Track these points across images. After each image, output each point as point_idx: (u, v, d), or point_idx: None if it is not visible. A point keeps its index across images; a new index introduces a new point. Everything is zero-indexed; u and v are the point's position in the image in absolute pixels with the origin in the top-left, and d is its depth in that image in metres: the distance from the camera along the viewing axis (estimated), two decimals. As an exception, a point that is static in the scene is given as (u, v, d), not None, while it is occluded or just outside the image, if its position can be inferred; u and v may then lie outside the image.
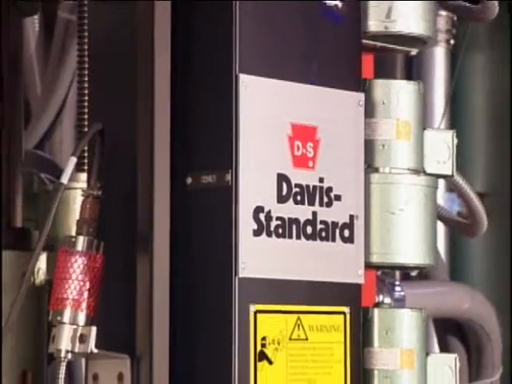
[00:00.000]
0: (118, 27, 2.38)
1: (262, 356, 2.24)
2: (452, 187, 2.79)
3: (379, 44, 2.47)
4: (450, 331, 3.10)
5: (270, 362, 2.25)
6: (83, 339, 2.27)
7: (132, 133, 2.32)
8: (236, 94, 2.22)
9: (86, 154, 2.37)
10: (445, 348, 3.03)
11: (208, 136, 2.28)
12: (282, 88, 2.28)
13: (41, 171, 2.94)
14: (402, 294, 2.57)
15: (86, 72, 2.47)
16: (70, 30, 3.16)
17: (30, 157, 2.93)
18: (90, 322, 2.27)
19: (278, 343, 2.26)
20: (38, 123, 3.28)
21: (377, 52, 2.50)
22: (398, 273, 2.64)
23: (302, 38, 2.31)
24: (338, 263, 2.36)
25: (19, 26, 2.70)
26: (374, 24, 2.42)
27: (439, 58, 3.57)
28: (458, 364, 2.59)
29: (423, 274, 2.89)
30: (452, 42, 3.65)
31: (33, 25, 3.24)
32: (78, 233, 2.30)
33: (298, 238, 2.30)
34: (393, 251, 2.47)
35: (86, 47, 2.47)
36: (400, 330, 2.49)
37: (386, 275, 2.57)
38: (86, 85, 2.45)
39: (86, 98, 2.44)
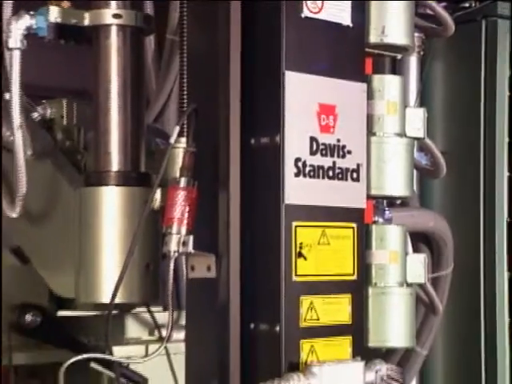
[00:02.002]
0: (205, 43, 2.35)
1: (300, 255, 2.21)
2: (423, 146, 2.72)
3: (376, 51, 2.42)
4: (420, 240, 3.05)
5: (305, 259, 2.22)
6: (184, 244, 2.25)
7: (215, 111, 2.29)
8: (283, 84, 2.19)
9: (185, 125, 2.32)
10: (417, 251, 2.97)
11: (265, 112, 2.24)
12: (313, 80, 2.24)
13: (156, 137, 2.92)
14: (390, 215, 2.52)
15: (185, 73, 2.42)
16: (174, 46, 3.11)
17: (149, 128, 2.91)
18: (189, 232, 2.26)
19: (310, 246, 2.23)
20: (154, 107, 3.25)
21: (374, 56, 2.44)
22: (385, 201, 2.56)
23: (326, 47, 2.28)
24: (349, 195, 2.33)
25: (142, 42, 2.67)
26: (373, 37, 2.37)
27: (413, 63, 3.53)
28: (426, 261, 2.56)
29: (403, 202, 2.82)
30: (422, 53, 3.57)
31: (150, 42, 3.17)
32: (181, 175, 2.28)
33: (323, 178, 2.26)
34: (384, 187, 2.43)
35: (184, 58, 2.42)
36: (389, 239, 2.45)
37: (379, 203, 2.51)
38: (185, 80, 2.41)
39: (185, 88, 2.40)
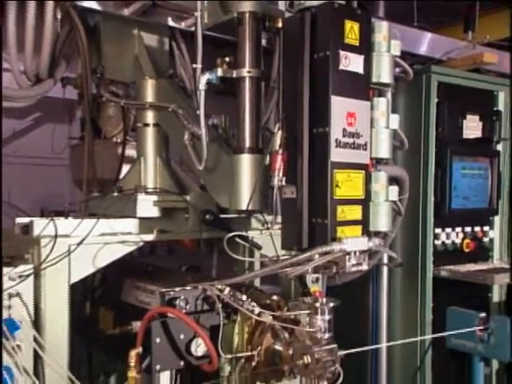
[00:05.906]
0: (290, 84, 2.15)
1: (337, 186, 2.05)
2: (396, 134, 2.44)
3: (375, 86, 2.20)
4: (393, 181, 2.75)
5: (340, 188, 2.06)
6: (281, 181, 2.12)
7: (296, 116, 2.11)
8: (330, 102, 2.01)
9: (280, 124, 2.18)
10: (392, 185, 2.63)
11: (321, 115, 2.06)
12: (345, 100, 2.05)
13: (266, 131, 2.78)
14: (380, 168, 2.30)
15: (280, 99, 2.26)
16: (274, 88, 2.95)
17: (262, 127, 2.75)
18: (283, 175, 2.13)
19: (342, 182, 2.06)
20: (264, 116, 3.10)
21: (373, 89, 2.22)
22: (375, 161, 2.32)
23: (351, 84, 2.08)
24: (361, 157, 2.14)
25: (260, 85, 2.54)
26: (374, 79, 2.16)
27: (389, 94, 3.21)
28: (397, 190, 2.36)
29: (386, 162, 2.56)
30: (393, 91, 3.28)
31: (262, 85, 2.91)
32: (279, 148, 2.14)
33: (349, 148, 2.08)
34: (378, 153, 2.22)
35: (280, 93, 2.26)
36: (379, 179, 2.25)
37: (375, 161, 2.29)
38: (280, 103, 2.25)
39: (280, 107, 2.24)
